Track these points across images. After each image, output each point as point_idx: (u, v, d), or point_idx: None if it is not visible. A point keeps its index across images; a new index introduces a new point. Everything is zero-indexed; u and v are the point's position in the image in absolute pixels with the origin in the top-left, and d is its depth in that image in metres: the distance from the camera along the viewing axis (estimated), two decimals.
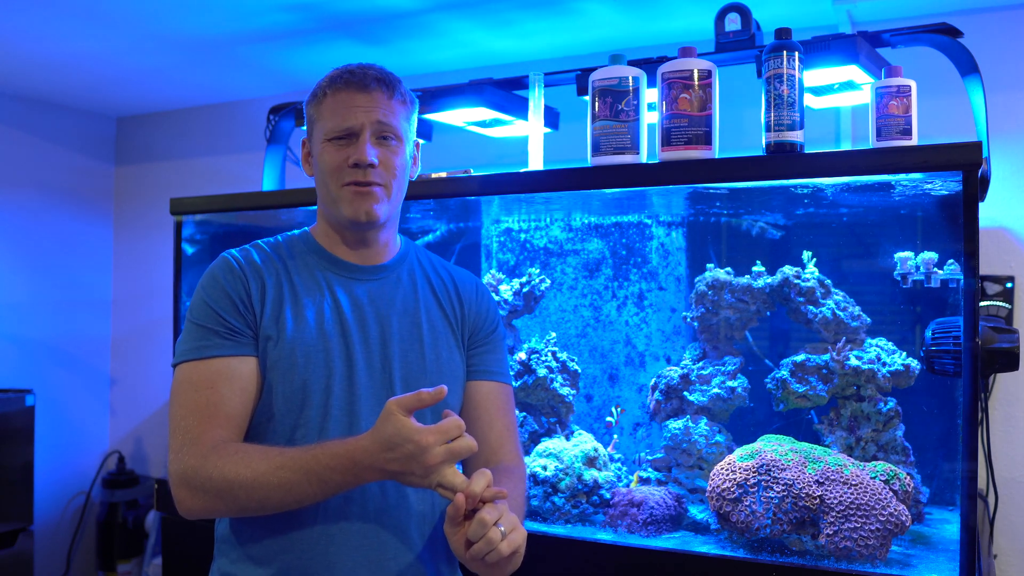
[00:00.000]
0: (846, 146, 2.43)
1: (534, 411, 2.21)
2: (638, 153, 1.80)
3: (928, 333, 1.78)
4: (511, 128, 2.42)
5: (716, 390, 2.05)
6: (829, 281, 2.03)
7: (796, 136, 1.69)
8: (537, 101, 2.08)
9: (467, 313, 1.47)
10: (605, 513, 1.96)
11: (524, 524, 1.29)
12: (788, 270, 2.05)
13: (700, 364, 2.12)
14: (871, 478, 1.70)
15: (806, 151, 1.70)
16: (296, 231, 1.46)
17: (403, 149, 1.39)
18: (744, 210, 2.27)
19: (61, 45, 2.84)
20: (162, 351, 3.65)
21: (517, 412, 2.17)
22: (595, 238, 2.44)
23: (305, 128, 1.44)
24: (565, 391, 2.19)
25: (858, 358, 1.94)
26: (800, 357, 1.99)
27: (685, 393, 2.09)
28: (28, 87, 3.43)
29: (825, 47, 1.80)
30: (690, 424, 2.04)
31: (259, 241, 1.43)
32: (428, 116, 2.32)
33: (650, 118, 1.85)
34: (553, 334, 2.28)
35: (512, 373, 2.16)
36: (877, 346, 1.98)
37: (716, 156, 1.75)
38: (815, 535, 1.68)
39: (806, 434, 2.01)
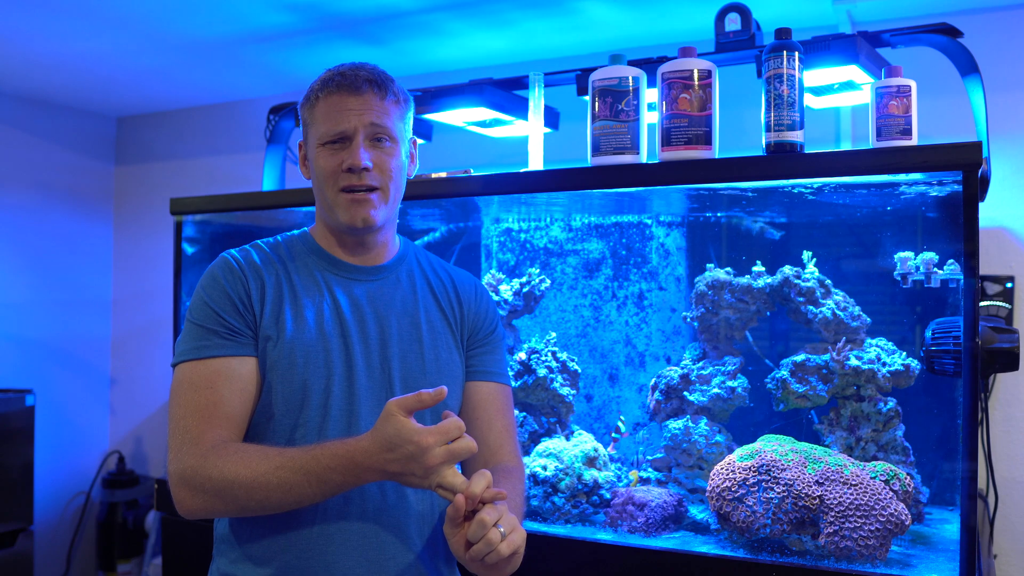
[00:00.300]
0: (846, 146, 2.43)
1: (534, 411, 2.21)
2: (638, 153, 1.80)
3: (928, 333, 1.78)
4: (511, 128, 2.42)
5: (716, 390, 2.05)
6: (829, 281, 2.03)
7: (796, 136, 1.69)
8: (537, 101, 2.08)
9: (466, 314, 1.47)
10: (605, 513, 1.96)
11: (524, 524, 1.29)
12: (788, 270, 2.05)
13: (700, 364, 2.12)
14: (871, 478, 1.70)
15: (806, 151, 1.70)
16: (296, 231, 1.46)
17: (398, 150, 1.38)
18: (744, 210, 2.27)
19: (61, 45, 2.84)
20: (162, 351, 3.65)
21: (517, 412, 2.17)
22: (595, 238, 2.44)
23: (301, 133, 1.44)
24: (565, 391, 2.19)
25: (858, 358, 1.94)
26: (800, 357, 1.99)
27: (685, 393, 2.09)
28: (28, 87, 3.43)
29: (825, 47, 1.80)
30: (690, 424, 2.04)
31: (258, 241, 1.43)
32: (428, 116, 2.32)
33: (650, 118, 1.85)
34: (553, 334, 2.28)
35: (512, 373, 2.16)
36: (877, 346, 1.98)
37: (716, 156, 1.75)
38: (815, 535, 1.68)
39: (806, 434, 2.01)
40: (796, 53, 1.69)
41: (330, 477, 1.16)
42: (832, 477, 1.69)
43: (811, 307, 1.99)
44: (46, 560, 3.60)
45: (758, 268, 2.11)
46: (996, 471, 2.23)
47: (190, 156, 3.74)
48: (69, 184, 3.79)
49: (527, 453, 2.10)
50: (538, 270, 2.36)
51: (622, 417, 2.23)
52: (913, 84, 1.70)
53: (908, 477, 1.75)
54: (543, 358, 2.20)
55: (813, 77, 1.87)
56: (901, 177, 1.67)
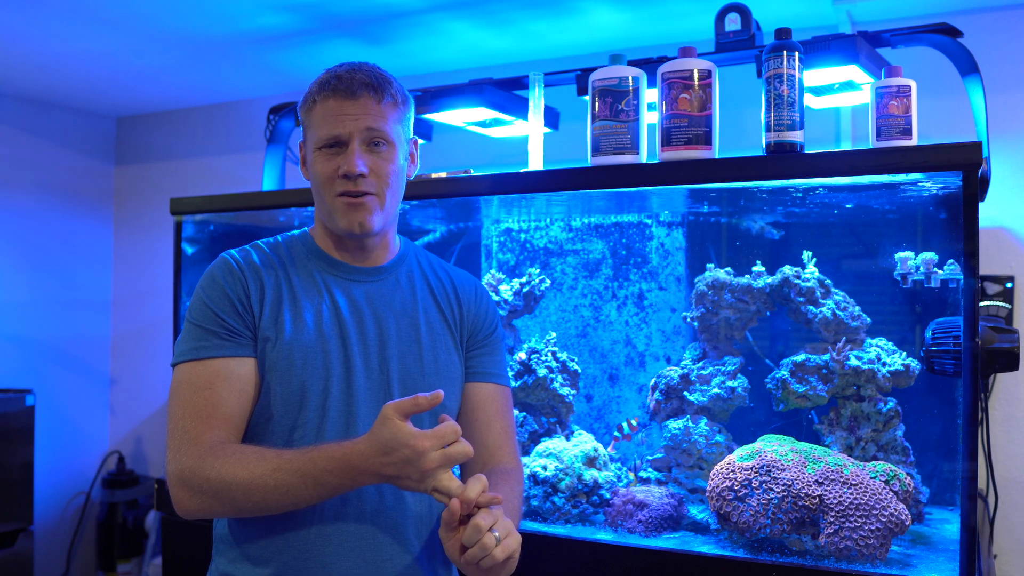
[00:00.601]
0: (846, 146, 2.43)
1: (534, 411, 2.21)
2: (638, 153, 1.80)
3: (928, 333, 1.78)
4: (511, 128, 2.42)
5: (716, 390, 2.05)
6: (829, 281, 2.03)
7: (796, 136, 1.69)
8: (537, 101, 2.08)
9: (466, 315, 1.47)
10: (605, 513, 1.96)
11: (524, 524, 1.29)
12: (788, 270, 2.05)
13: (700, 364, 2.12)
14: (871, 478, 1.70)
15: (806, 151, 1.70)
16: (296, 231, 1.46)
17: (395, 154, 1.37)
18: (744, 210, 2.27)
19: (61, 45, 2.84)
20: (162, 351, 3.65)
21: (517, 412, 2.17)
22: (595, 238, 2.44)
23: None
24: (565, 391, 2.19)
25: (858, 358, 1.94)
26: (800, 357, 1.98)
27: (685, 393, 2.09)
28: (28, 87, 3.43)
29: (825, 47, 1.80)
30: (690, 424, 2.04)
31: (258, 242, 1.43)
32: (428, 116, 2.32)
33: (650, 118, 1.85)
34: (553, 334, 2.28)
35: (512, 373, 2.16)
36: (877, 346, 1.98)
37: (716, 156, 1.75)
38: (815, 535, 1.68)
39: (806, 434, 2.01)
40: (796, 53, 1.69)
41: (326, 480, 1.16)
42: (832, 477, 1.68)
43: (811, 307, 1.99)
44: (46, 560, 3.60)
45: (758, 268, 2.11)
46: (996, 471, 2.23)
47: (190, 156, 3.74)
48: (69, 184, 3.79)
49: (527, 453, 2.10)
50: (538, 270, 2.36)
51: (635, 418, 2.20)
52: (913, 84, 1.70)
53: (908, 477, 1.75)
54: (543, 358, 2.20)
55: (813, 77, 1.87)
56: (901, 177, 1.67)
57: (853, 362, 1.93)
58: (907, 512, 1.66)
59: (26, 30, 2.68)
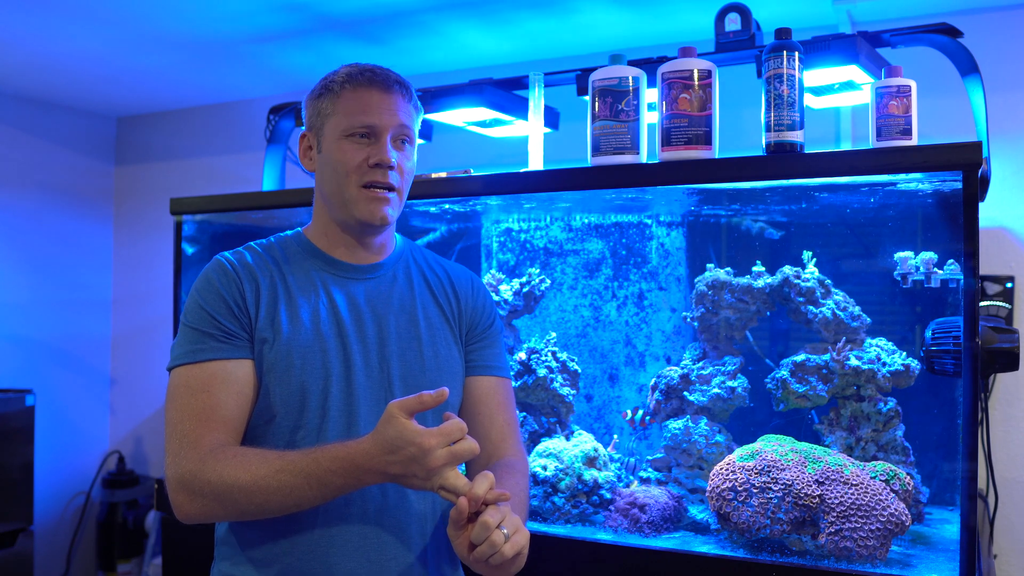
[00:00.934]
0: (846, 146, 2.43)
1: (534, 411, 2.21)
2: (638, 153, 1.80)
3: (928, 333, 1.78)
4: (511, 128, 2.42)
5: (716, 390, 2.05)
6: (829, 281, 2.03)
7: (796, 136, 1.69)
8: (537, 101, 2.08)
9: (464, 308, 1.47)
10: (605, 513, 1.96)
11: (526, 520, 1.29)
12: (788, 270, 2.05)
13: (700, 364, 2.12)
14: (871, 478, 1.70)
15: (806, 151, 1.70)
16: (288, 232, 1.45)
17: (414, 153, 1.41)
18: (744, 210, 2.27)
19: (61, 45, 2.84)
20: (162, 351, 3.64)
21: (517, 411, 2.17)
22: (595, 238, 2.44)
23: (306, 124, 1.41)
24: (565, 391, 2.19)
25: (858, 358, 1.94)
26: (800, 357, 1.98)
27: (685, 393, 2.09)
28: (28, 87, 3.43)
29: (825, 47, 1.80)
30: (690, 424, 2.04)
31: (251, 243, 1.42)
32: (428, 116, 2.32)
33: (650, 118, 1.85)
34: (553, 334, 2.28)
35: (512, 373, 2.16)
36: (877, 346, 1.98)
37: (716, 156, 1.75)
38: (815, 535, 1.68)
39: (806, 434, 2.01)
40: (796, 53, 1.69)
41: (331, 480, 1.16)
42: (832, 477, 1.68)
43: (811, 307, 1.99)
44: (46, 560, 3.60)
45: (758, 268, 2.11)
46: (996, 471, 2.23)
47: (190, 156, 3.74)
48: (69, 184, 3.79)
49: (527, 453, 2.10)
50: (538, 270, 2.36)
51: (647, 415, 2.19)
52: (913, 84, 1.70)
53: (908, 477, 1.75)
54: (543, 358, 2.20)
55: (813, 77, 1.87)
56: (901, 177, 1.67)
57: (853, 362, 1.93)
58: (907, 512, 1.66)
59: (26, 30, 2.68)
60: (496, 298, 2.29)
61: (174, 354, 1.30)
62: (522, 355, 2.20)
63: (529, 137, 2.07)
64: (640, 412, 2.16)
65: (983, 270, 2.19)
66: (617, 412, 2.39)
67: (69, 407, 3.75)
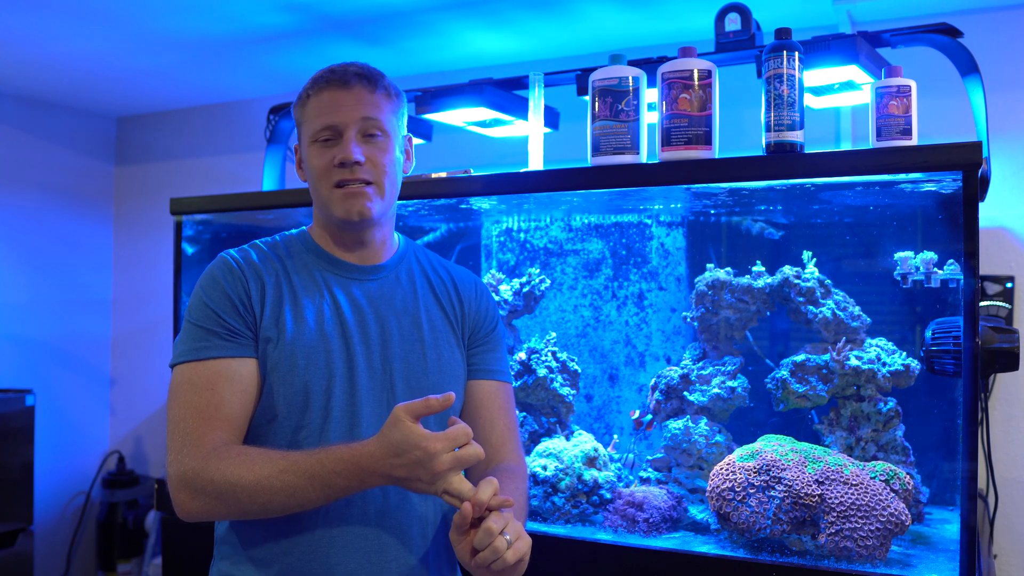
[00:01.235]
0: (846, 146, 2.43)
1: (534, 411, 2.21)
2: (638, 153, 1.80)
3: (928, 333, 1.78)
4: (511, 128, 2.42)
5: (716, 390, 2.05)
6: (829, 281, 2.03)
7: (796, 136, 1.69)
8: (537, 101, 2.08)
9: (467, 311, 1.47)
10: (605, 513, 1.96)
11: (524, 525, 1.29)
12: (788, 270, 2.05)
13: (700, 364, 2.12)
14: (871, 478, 1.70)
15: (806, 151, 1.70)
16: (294, 230, 1.45)
17: (391, 144, 1.37)
18: (744, 210, 2.27)
19: (61, 45, 2.84)
20: (162, 351, 3.65)
21: (517, 412, 2.17)
22: (595, 238, 2.44)
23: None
24: (565, 391, 2.19)
25: (858, 358, 1.94)
26: (800, 357, 1.98)
27: (685, 393, 2.09)
28: (28, 87, 3.43)
29: (825, 47, 1.80)
30: (690, 424, 2.04)
31: (257, 241, 1.42)
32: (428, 116, 2.32)
33: (650, 118, 1.85)
34: (553, 334, 2.28)
35: (512, 373, 2.16)
36: (877, 346, 1.98)
37: (716, 156, 1.75)
38: (815, 535, 1.68)
39: (806, 434, 2.01)
40: (796, 53, 1.69)
41: (335, 481, 1.15)
42: (832, 477, 1.68)
43: (811, 307, 1.99)
44: (46, 560, 3.60)
45: (758, 268, 2.11)
46: (996, 471, 2.23)
47: (190, 156, 3.74)
48: (69, 184, 3.79)
49: (527, 453, 2.10)
50: (538, 270, 2.36)
51: (651, 417, 2.19)
52: (913, 84, 1.70)
53: (908, 477, 1.75)
54: (543, 358, 2.20)
55: (813, 77, 1.87)
56: (901, 177, 1.67)
57: (853, 362, 1.93)
58: (907, 512, 1.66)
59: (26, 30, 2.68)
60: (496, 298, 2.29)
61: (177, 351, 1.29)
62: (522, 355, 2.20)
63: (529, 137, 2.07)
64: (648, 416, 2.16)
65: (983, 270, 2.19)
66: (617, 412, 2.39)
67: (69, 407, 3.75)
